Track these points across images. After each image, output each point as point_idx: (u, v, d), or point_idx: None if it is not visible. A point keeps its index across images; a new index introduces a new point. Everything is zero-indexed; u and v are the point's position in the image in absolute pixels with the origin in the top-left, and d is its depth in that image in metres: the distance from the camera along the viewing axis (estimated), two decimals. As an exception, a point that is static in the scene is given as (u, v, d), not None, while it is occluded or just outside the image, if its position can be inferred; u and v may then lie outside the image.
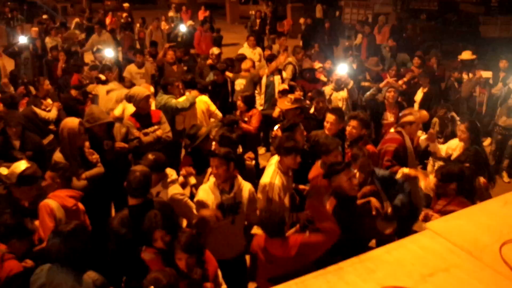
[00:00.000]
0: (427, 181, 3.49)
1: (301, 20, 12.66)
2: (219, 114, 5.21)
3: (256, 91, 5.95)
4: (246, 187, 3.16)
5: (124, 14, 12.34)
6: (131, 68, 6.76)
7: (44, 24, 10.87)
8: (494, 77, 6.44)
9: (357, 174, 3.26)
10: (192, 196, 3.37)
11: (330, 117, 4.06)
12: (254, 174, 4.26)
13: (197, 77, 6.26)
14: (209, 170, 3.59)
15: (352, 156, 3.41)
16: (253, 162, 4.43)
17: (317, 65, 6.70)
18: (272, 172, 3.33)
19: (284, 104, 4.50)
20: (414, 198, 3.69)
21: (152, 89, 5.42)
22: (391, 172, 3.53)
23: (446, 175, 3.13)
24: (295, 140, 3.38)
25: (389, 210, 3.15)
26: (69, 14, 18.47)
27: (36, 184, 3.03)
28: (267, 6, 15.28)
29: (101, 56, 7.33)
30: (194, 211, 3.13)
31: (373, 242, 3.48)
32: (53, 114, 5.04)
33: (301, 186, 3.62)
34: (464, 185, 3.12)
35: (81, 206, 3.14)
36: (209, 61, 6.96)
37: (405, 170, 3.49)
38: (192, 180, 3.63)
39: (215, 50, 7.13)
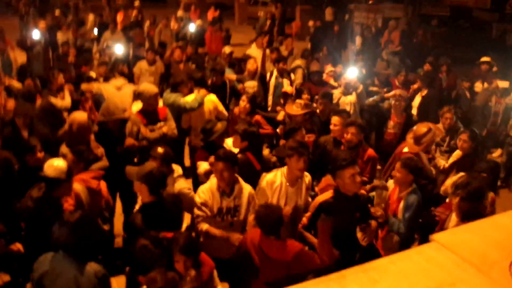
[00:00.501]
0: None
1: (311, 23, 12.63)
2: (226, 114, 5.20)
3: None
4: (246, 190, 3.14)
5: (134, 12, 12.42)
6: (142, 64, 6.79)
7: (56, 19, 10.98)
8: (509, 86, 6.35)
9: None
10: None
11: (335, 120, 4.05)
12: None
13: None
14: (200, 164, 3.60)
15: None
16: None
17: (328, 68, 6.65)
18: (275, 172, 3.32)
19: (292, 109, 4.48)
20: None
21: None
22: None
23: (474, 194, 2.92)
24: (299, 141, 3.35)
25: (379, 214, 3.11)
26: (81, 10, 18.64)
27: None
28: (276, 8, 15.27)
29: (111, 53, 7.38)
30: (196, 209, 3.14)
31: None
32: (67, 102, 5.09)
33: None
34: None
35: (103, 185, 3.26)
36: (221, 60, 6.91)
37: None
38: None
39: (226, 49, 7.15)
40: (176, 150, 4.55)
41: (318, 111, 4.85)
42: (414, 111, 5.82)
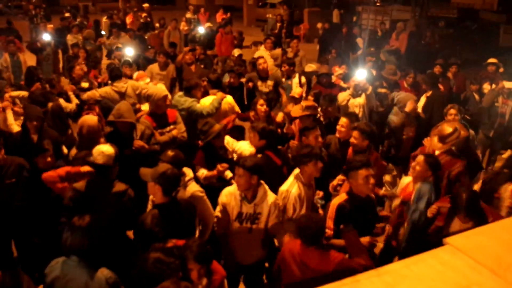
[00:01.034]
0: None
1: (319, 25, 12.62)
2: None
3: None
4: (270, 198, 3.06)
5: (144, 14, 12.52)
6: (153, 68, 6.71)
7: (66, 21, 11.13)
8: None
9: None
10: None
11: (343, 121, 4.09)
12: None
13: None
14: (198, 168, 3.60)
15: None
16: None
17: (338, 71, 6.62)
18: (291, 181, 3.27)
19: (296, 111, 4.49)
20: None
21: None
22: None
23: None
24: (310, 146, 3.35)
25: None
26: (91, 12, 18.86)
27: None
28: (284, 10, 15.29)
29: (120, 55, 7.44)
30: (211, 210, 3.14)
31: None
32: (73, 104, 5.14)
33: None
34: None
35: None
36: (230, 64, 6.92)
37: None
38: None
39: (235, 52, 7.18)
40: (189, 153, 4.57)
41: (320, 113, 4.84)
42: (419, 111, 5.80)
